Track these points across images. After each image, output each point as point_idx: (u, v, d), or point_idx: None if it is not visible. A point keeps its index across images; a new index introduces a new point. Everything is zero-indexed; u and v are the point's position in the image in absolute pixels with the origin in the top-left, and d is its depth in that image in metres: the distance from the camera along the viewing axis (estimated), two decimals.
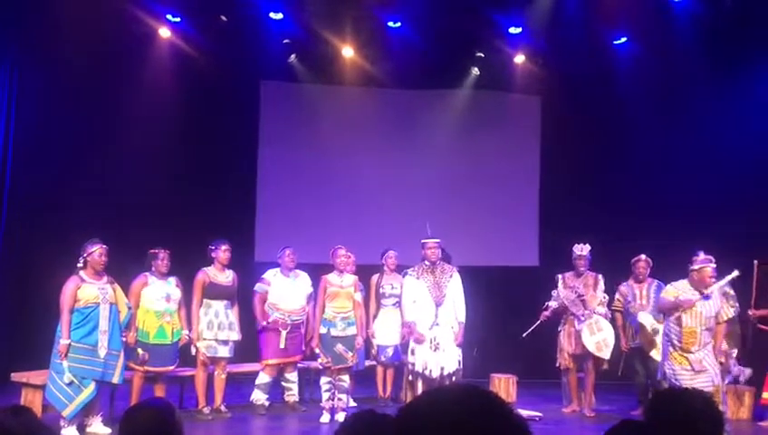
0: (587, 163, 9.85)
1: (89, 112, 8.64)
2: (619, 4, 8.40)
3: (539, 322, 7.50)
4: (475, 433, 1.04)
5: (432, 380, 6.72)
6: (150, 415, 2.12)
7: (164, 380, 6.84)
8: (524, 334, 7.48)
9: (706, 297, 6.06)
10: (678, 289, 6.16)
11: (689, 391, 2.23)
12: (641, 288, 7.56)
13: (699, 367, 5.99)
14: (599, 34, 9.16)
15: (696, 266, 6.14)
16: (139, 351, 6.62)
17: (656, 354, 7.25)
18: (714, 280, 6.14)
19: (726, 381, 6.73)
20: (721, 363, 6.53)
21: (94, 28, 7.97)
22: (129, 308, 6.43)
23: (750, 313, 7.09)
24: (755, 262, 7.16)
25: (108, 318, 6.13)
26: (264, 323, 7.25)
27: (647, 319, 7.23)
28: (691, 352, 6.03)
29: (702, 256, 6.25)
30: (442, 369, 6.71)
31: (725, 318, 6.32)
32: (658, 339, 7.00)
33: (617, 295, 7.60)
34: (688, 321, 6.04)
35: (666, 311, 6.37)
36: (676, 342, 6.09)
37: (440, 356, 6.74)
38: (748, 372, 7.22)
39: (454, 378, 6.81)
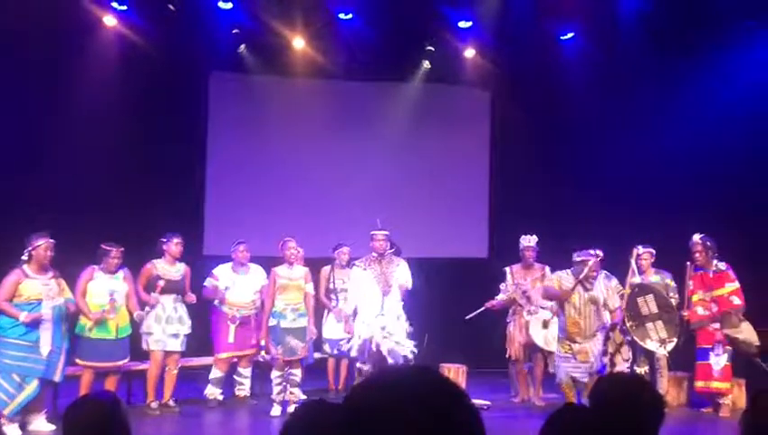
0: (536, 156, 9.98)
1: (29, 103, 8.34)
2: None
3: (483, 308, 7.62)
4: (424, 413, 1.04)
5: (387, 364, 6.74)
6: (94, 409, 2.08)
7: (115, 374, 6.68)
8: (467, 317, 7.59)
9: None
10: (561, 279, 6.65)
11: (630, 376, 2.30)
12: None
13: (583, 357, 6.43)
14: (547, 29, 9.29)
15: (578, 259, 6.61)
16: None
17: None
18: (596, 274, 6.64)
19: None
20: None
21: (34, 14, 7.71)
22: (74, 303, 6.29)
23: (684, 314, 7.31)
24: (688, 263, 7.37)
25: (50, 315, 5.99)
26: (218, 302, 7.29)
27: None
28: (576, 342, 6.47)
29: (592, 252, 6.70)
30: (398, 353, 6.74)
31: (613, 307, 6.71)
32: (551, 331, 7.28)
33: None
34: (571, 311, 6.51)
35: (549, 298, 6.94)
36: (561, 332, 6.64)
37: (392, 342, 6.78)
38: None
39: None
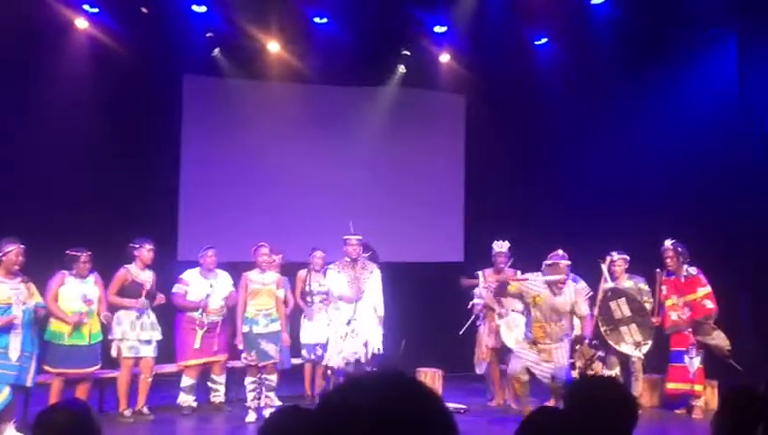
0: (512, 161, 10.05)
1: (0, 106, 8.23)
2: (539, 5, 8.60)
3: (473, 318, 7.65)
4: (397, 418, 1.03)
5: (349, 370, 6.80)
6: (65, 417, 2.05)
7: (86, 381, 6.59)
8: (461, 332, 7.61)
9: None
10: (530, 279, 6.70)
11: (604, 378, 2.31)
12: None
13: (546, 356, 6.51)
14: (521, 35, 9.36)
15: (549, 262, 6.66)
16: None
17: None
18: (566, 277, 6.66)
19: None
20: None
21: (4, 17, 7.59)
22: (43, 307, 6.20)
23: (654, 320, 7.39)
24: (657, 270, 7.46)
25: (20, 319, 5.90)
26: (200, 312, 7.20)
27: None
28: (540, 344, 6.55)
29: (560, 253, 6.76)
30: (356, 355, 6.76)
31: (581, 313, 6.74)
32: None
33: None
34: (537, 314, 6.57)
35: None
36: (527, 332, 6.69)
37: (356, 342, 6.80)
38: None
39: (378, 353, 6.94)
